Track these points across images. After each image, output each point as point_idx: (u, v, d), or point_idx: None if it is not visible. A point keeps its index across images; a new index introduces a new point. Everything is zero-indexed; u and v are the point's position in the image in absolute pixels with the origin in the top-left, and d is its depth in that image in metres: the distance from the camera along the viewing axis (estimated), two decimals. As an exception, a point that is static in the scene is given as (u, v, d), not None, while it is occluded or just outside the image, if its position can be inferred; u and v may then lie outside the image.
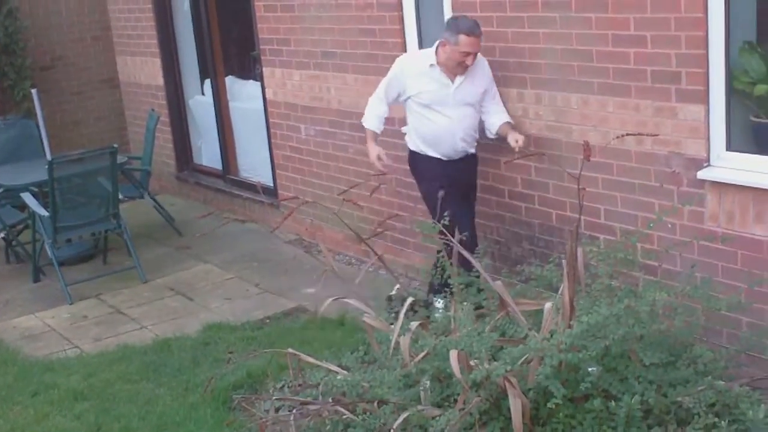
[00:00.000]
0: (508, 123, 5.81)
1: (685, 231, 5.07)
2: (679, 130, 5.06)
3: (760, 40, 5.10)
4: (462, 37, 5.56)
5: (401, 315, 3.83)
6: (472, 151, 5.97)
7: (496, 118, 5.84)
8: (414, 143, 5.98)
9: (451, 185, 5.73)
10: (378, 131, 6.05)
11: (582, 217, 5.56)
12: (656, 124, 5.15)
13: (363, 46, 7.02)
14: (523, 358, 3.43)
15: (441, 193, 5.38)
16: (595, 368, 3.27)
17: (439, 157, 5.87)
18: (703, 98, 4.94)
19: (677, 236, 5.08)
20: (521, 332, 3.61)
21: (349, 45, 7.14)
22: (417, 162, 6.01)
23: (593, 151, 5.07)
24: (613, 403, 3.26)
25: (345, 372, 3.93)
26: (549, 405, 3.19)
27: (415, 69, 5.83)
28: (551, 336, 3.40)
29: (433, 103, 5.79)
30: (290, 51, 7.75)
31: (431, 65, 5.75)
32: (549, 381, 3.22)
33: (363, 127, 6.11)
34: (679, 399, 3.32)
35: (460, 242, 4.56)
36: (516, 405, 3.18)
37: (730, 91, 4.95)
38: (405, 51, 6.65)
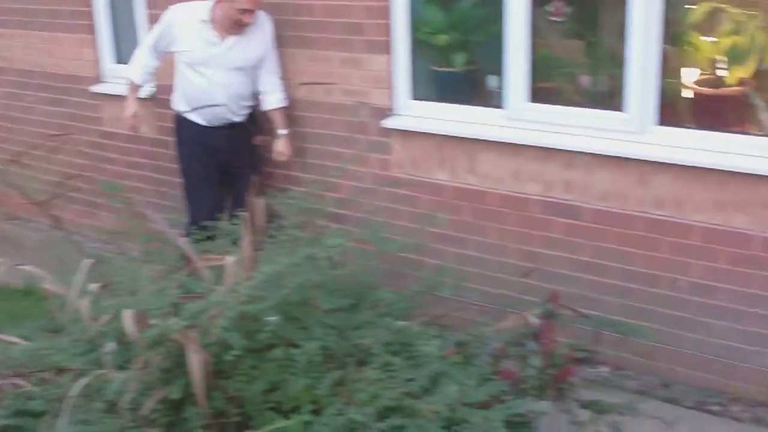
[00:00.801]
0: (281, 110, 5.45)
1: (374, 179, 5.21)
2: (366, 80, 5.18)
3: (440, -8, 5.29)
4: None
5: (80, 278, 3.68)
6: (238, 119, 5.46)
7: (269, 97, 5.44)
8: (176, 103, 5.53)
9: (205, 151, 5.40)
10: (141, 83, 5.57)
11: (279, 171, 5.62)
12: (343, 75, 5.23)
13: (48, 2, 6.67)
14: (209, 314, 3.40)
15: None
16: (274, 318, 3.29)
17: (199, 122, 5.43)
18: (388, 49, 5.07)
19: (367, 185, 5.21)
20: (204, 288, 3.57)
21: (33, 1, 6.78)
22: (178, 124, 5.55)
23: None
24: (294, 350, 3.29)
25: (25, 343, 3.73)
26: (227, 357, 3.17)
27: (186, 22, 5.31)
28: (234, 289, 3.38)
29: (196, 63, 5.32)
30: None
31: (203, 21, 5.26)
32: (229, 333, 3.20)
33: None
34: (359, 341, 3.40)
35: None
36: (195, 360, 3.14)
37: (413, 41, 5.11)
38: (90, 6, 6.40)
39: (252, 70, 5.38)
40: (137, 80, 5.57)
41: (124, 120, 5.56)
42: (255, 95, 5.45)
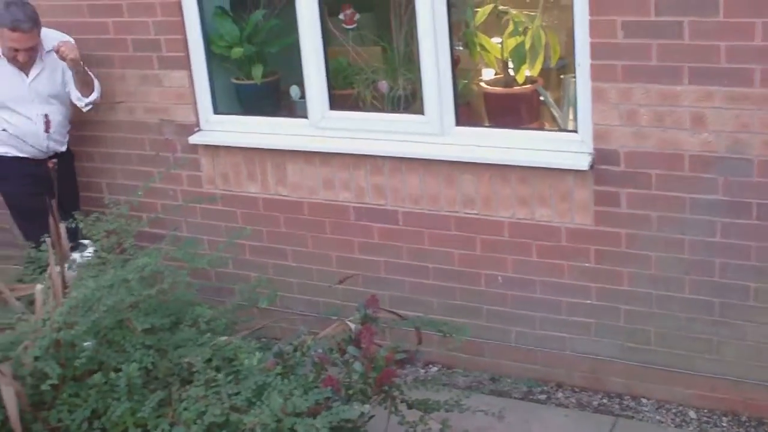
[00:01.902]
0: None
1: (186, 196, 5.15)
2: (167, 97, 5.11)
3: (231, 5, 5.28)
4: (5, 32, 4.79)
5: None
6: (63, 149, 5.20)
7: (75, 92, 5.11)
8: None
9: (35, 185, 4.92)
10: None
11: (85, 194, 5.47)
12: (144, 92, 5.15)
13: None
14: (22, 345, 3.29)
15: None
16: (90, 342, 3.21)
17: (23, 156, 5.07)
18: (185, 64, 5.03)
19: (180, 202, 5.14)
20: (14, 318, 3.45)
21: None
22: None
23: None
24: (114, 374, 3.22)
25: None
26: (44, 387, 3.08)
27: None
28: (45, 317, 3.28)
29: (7, 100, 4.99)
30: None
31: None
32: (43, 362, 3.11)
33: None
34: (181, 360, 3.37)
35: None
36: (8, 393, 3.03)
37: (210, 55, 5.08)
38: None
39: (64, 97, 5.14)
40: None
41: None
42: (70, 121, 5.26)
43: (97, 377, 3.23)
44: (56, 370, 3.09)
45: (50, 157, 5.06)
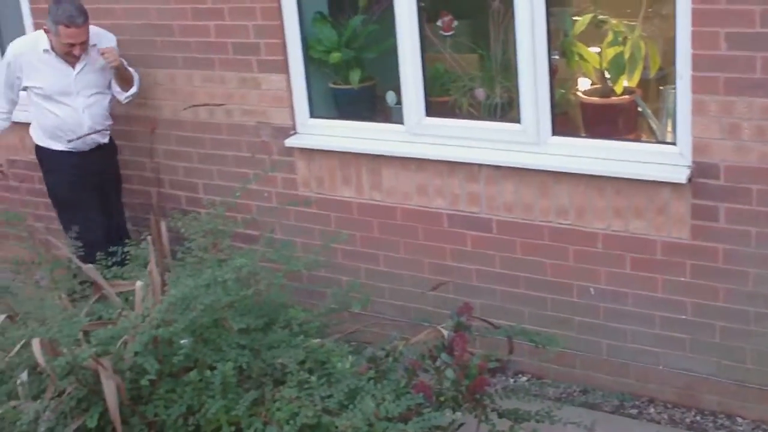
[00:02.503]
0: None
1: (281, 198, 5.22)
2: (265, 100, 5.19)
3: (331, 10, 5.33)
4: (61, 29, 5.00)
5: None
6: (106, 140, 5.43)
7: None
8: (38, 136, 5.41)
9: (81, 177, 5.30)
10: None
11: (183, 193, 5.59)
12: (242, 95, 5.23)
13: None
14: (121, 340, 3.37)
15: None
16: (187, 340, 3.27)
17: (67, 149, 5.29)
18: (284, 68, 5.09)
19: (274, 204, 5.22)
20: (115, 313, 3.54)
21: None
22: (42, 156, 5.45)
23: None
24: (209, 372, 3.28)
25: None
26: (143, 382, 3.15)
27: (31, 56, 5.20)
28: (145, 313, 3.36)
29: (54, 94, 5.21)
30: None
31: (45, 50, 5.16)
32: (143, 358, 3.18)
33: None
34: (274, 360, 3.41)
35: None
36: (109, 387, 3.10)
37: (308, 60, 5.14)
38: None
39: (107, 89, 5.35)
40: None
41: None
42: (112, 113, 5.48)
43: (193, 374, 3.29)
44: (155, 366, 3.16)
45: (92, 150, 5.35)
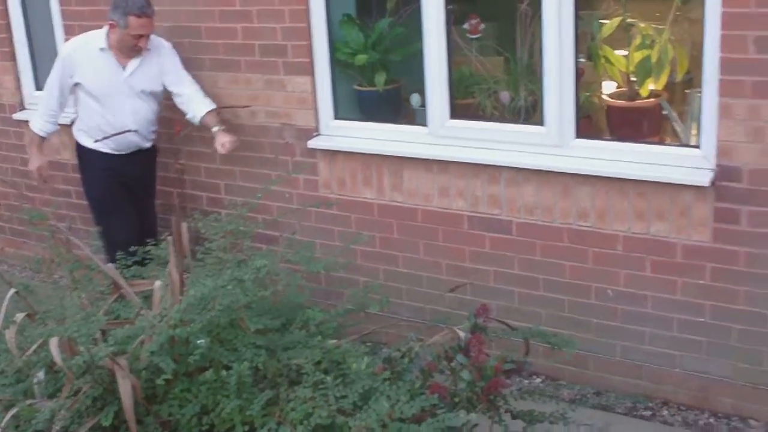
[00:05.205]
0: (212, 112, 5.30)
1: (302, 200, 5.24)
2: (289, 101, 5.21)
3: (358, 12, 5.34)
4: (132, 19, 5.03)
5: (3, 306, 3.64)
6: (148, 145, 5.47)
7: (198, 106, 5.30)
8: (80, 135, 5.44)
9: (117, 179, 5.35)
10: (43, 134, 5.45)
11: (205, 194, 5.62)
12: (267, 97, 5.26)
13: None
14: (138, 339, 3.39)
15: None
16: (203, 340, 3.28)
17: (107, 151, 5.35)
18: (309, 70, 5.11)
19: (295, 205, 5.24)
20: (133, 313, 3.56)
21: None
22: (82, 154, 5.47)
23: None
24: (225, 372, 3.29)
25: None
26: (158, 381, 3.17)
27: (85, 53, 5.23)
28: (163, 313, 3.37)
29: (103, 94, 5.25)
30: None
31: (102, 49, 5.19)
32: (159, 358, 3.20)
33: None
34: (290, 361, 3.42)
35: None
36: (125, 386, 3.12)
37: (334, 62, 5.15)
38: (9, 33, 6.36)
39: (157, 95, 5.37)
40: (39, 133, 5.47)
41: (32, 174, 5.56)
42: (158, 119, 5.46)
43: (209, 374, 3.30)
44: (170, 365, 3.17)
45: (132, 153, 5.38)
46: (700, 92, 4.20)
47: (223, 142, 5.19)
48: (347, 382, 3.31)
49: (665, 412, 4.51)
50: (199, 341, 3.28)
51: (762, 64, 3.88)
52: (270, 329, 3.59)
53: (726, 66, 3.96)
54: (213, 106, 5.32)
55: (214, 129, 5.24)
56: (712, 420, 4.42)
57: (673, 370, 4.49)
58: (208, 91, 5.41)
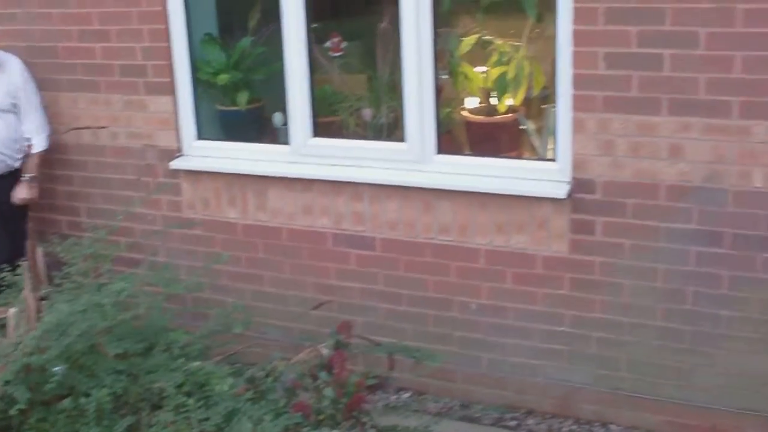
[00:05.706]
0: (39, 154, 5.17)
1: (166, 221, 5.17)
2: (151, 122, 5.14)
3: (220, 31, 5.32)
4: None
5: None
6: (18, 165, 5.19)
7: (36, 142, 5.16)
8: None
9: None
10: None
11: (65, 218, 5.49)
12: (128, 117, 5.18)
13: None
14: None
15: None
16: (60, 368, 3.22)
17: None
18: (171, 90, 5.06)
19: (159, 227, 5.16)
20: (-14, 342, 3.46)
21: None
22: None
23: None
24: (84, 399, 3.23)
25: None
26: (12, 412, 3.09)
27: None
28: (18, 341, 3.29)
29: None
30: None
31: None
32: (13, 387, 3.12)
33: None
34: (152, 385, 3.38)
35: None
36: (-23, 418, 3.05)
37: (196, 81, 5.12)
38: None
39: (12, 109, 5.14)
40: None
41: None
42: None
43: (67, 402, 3.24)
44: (25, 395, 3.10)
45: (2, 176, 5.16)
46: (555, 107, 4.32)
47: (22, 196, 5.12)
48: (210, 404, 3.30)
49: (530, 421, 4.59)
50: (55, 368, 3.21)
51: (611, 80, 4.01)
52: (132, 353, 3.54)
53: (578, 81, 4.09)
54: (41, 148, 5.19)
55: (24, 176, 5.14)
56: (575, 427, 4.52)
57: (536, 379, 4.59)
58: (67, 113, 5.31)
